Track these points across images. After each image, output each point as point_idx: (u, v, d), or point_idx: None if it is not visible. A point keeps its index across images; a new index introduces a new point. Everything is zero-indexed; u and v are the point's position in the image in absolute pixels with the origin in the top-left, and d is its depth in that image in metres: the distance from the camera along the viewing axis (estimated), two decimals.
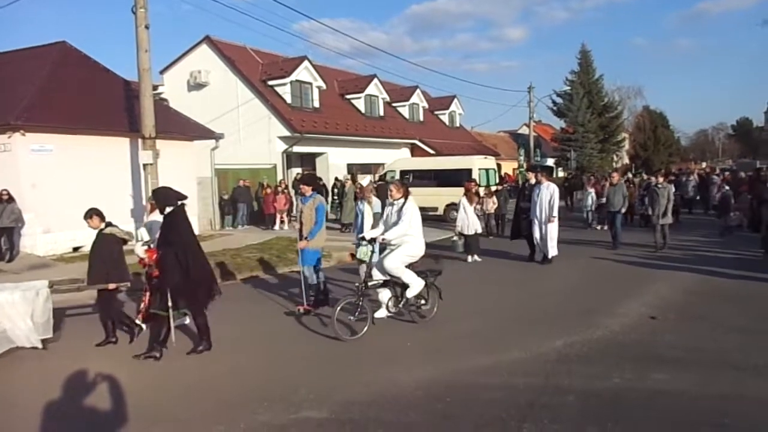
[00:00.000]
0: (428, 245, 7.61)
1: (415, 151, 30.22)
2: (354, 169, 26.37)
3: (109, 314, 6.88)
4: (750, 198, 14.74)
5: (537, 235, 11.45)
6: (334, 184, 22.62)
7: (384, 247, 7.30)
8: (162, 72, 25.19)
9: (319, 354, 6.26)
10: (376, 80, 29.56)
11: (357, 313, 6.71)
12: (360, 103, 28.88)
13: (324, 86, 26.00)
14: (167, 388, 5.38)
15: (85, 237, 13.63)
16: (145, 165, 12.53)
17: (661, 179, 13.79)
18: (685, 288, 9.02)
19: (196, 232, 16.58)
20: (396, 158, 25.95)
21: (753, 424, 4.31)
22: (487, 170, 21.52)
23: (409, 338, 6.67)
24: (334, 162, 25.41)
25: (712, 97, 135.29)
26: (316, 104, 25.47)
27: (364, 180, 9.31)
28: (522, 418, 4.42)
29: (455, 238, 12.73)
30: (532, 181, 12.13)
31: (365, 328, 6.68)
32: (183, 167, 16.25)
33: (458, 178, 18.80)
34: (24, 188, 13.01)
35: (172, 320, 6.34)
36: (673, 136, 66.26)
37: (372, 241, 7.06)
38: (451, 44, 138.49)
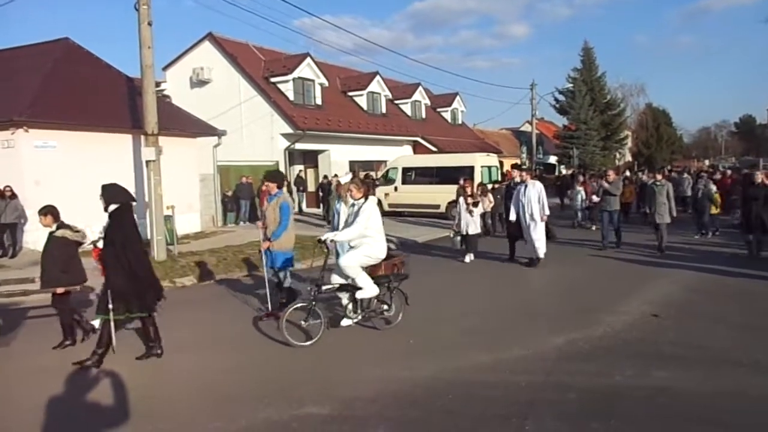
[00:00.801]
0: (424, 245, 7.56)
1: (418, 148, 30.23)
2: (356, 167, 26.38)
3: (63, 316, 6.64)
4: (739, 198, 13.91)
5: (535, 235, 10.96)
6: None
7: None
8: (165, 69, 25.24)
9: (320, 351, 6.27)
10: (378, 77, 29.56)
11: (309, 318, 6.48)
12: (362, 100, 28.88)
13: (326, 83, 26.01)
14: (167, 386, 5.40)
15: (88, 233, 13.73)
16: (147, 162, 12.53)
17: (659, 176, 13.29)
18: (686, 285, 9.01)
19: (198, 228, 16.94)
20: (398, 155, 25.94)
21: (754, 422, 4.32)
22: (489, 167, 21.51)
23: (410, 336, 6.68)
24: (336, 159, 25.43)
25: (715, 94, 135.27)
26: (319, 101, 25.47)
27: (343, 178, 8.93)
28: (523, 415, 4.43)
29: (452, 235, 12.54)
30: (517, 179, 11.75)
31: (319, 333, 6.40)
32: (185, 164, 16.27)
33: (460, 175, 18.77)
34: (27, 184, 13.04)
35: (112, 324, 5.96)
36: (675, 133, 66.17)
37: (324, 242, 6.63)
38: (454, 41, 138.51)
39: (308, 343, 6.34)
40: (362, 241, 6.74)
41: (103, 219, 6.30)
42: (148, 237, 13.01)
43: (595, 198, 15.88)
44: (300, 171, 25.15)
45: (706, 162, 69.85)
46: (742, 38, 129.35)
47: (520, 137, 46.87)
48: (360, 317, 6.87)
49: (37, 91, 13.85)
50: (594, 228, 16.63)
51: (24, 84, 14.31)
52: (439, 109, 36.79)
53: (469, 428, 4.31)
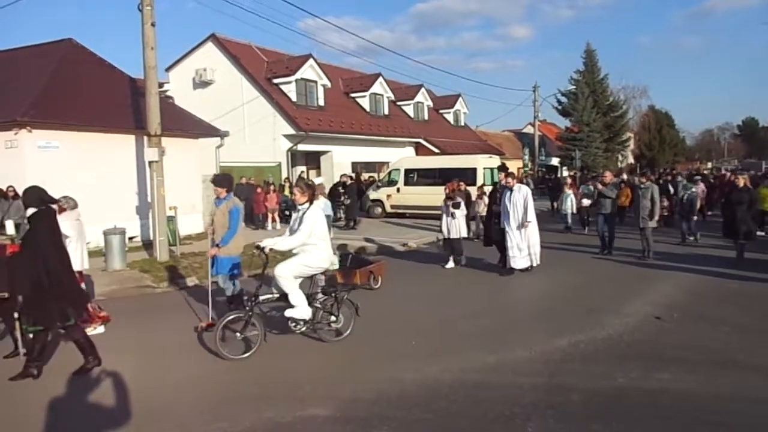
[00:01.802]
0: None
1: (420, 150, 30.25)
2: (359, 168, 26.42)
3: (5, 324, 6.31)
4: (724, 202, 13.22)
5: (509, 242, 10.25)
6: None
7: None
8: (167, 69, 25.32)
9: (324, 352, 6.28)
10: (381, 79, 29.60)
11: (245, 329, 6.08)
12: (365, 102, 28.93)
13: (329, 84, 26.05)
14: (170, 387, 5.40)
15: (91, 233, 13.77)
16: (150, 162, 12.57)
17: (644, 179, 12.53)
18: (688, 288, 9.01)
19: (201, 229, 16.94)
20: (400, 157, 25.97)
21: (756, 424, 4.32)
22: (491, 169, 21.52)
23: (413, 337, 6.68)
24: (339, 161, 25.47)
25: (718, 96, 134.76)
26: (321, 102, 25.51)
27: (315, 180, 8.52)
28: (527, 416, 4.43)
29: (437, 239, 12.07)
30: (503, 182, 11.05)
31: (257, 345, 6.03)
32: (188, 165, 16.30)
33: (463, 177, 18.78)
34: (30, 185, 13.05)
35: (18, 332, 5.71)
36: (678, 135, 66.22)
37: (263, 249, 6.17)
38: (457, 43, 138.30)
39: (244, 356, 5.94)
40: (304, 248, 6.29)
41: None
42: (151, 238, 13.06)
43: (585, 201, 15.36)
44: (302, 172, 25.19)
45: (709, 164, 69.79)
46: (745, 40, 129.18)
47: (522, 139, 46.88)
48: (305, 328, 6.36)
49: (40, 91, 13.89)
50: (587, 231, 16.12)
51: (27, 84, 14.35)
52: (441, 111, 36.82)
53: (471, 429, 4.32)
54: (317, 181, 8.77)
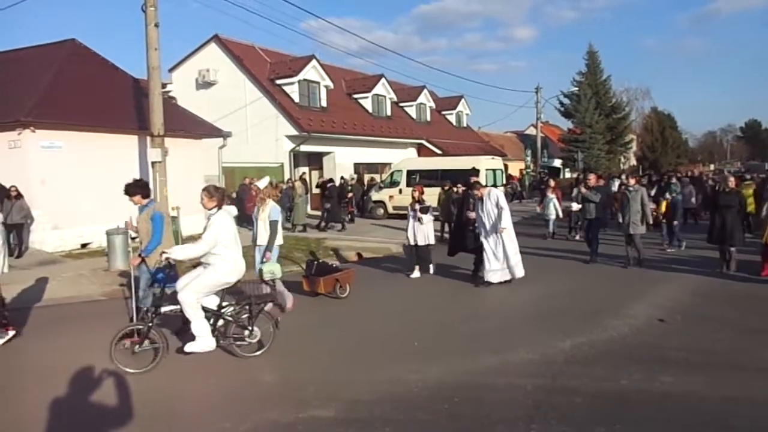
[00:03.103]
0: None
1: (422, 151, 30.25)
2: (361, 169, 26.43)
3: None
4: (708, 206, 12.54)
5: (485, 254, 9.51)
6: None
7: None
8: (170, 70, 25.33)
9: (327, 353, 6.28)
10: (383, 80, 29.62)
11: (143, 343, 5.71)
12: (367, 103, 28.94)
13: (331, 85, 26.07)
14: (173, 387, 5.40)
15: (94, 233, 13.85)
16: (153, 163, 12.60)
17: (632, 181, 11.77)
18: (691, 290, 8.98)
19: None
20: (403, 158, 25.96)
21: (760, 426, 4.30)
22: (494, 171, 21.50)
23: (415, 338, 6.67)
24: (341, 162, 25.48)
25: (721, 98, 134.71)
26: (324, 103, 25.53)
27: (261, 182, 8.03)
28: (529, 418, 4.42)
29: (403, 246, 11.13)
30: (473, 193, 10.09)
31: (158, 359, 5.68)
32: (191, 165, 16.32)
33: (465, 178, 18.72)
34: (33, 185, 13.10)
35: None
36: (680, 137, 66.14)
37: (168, 259, 5.83)
38: (459, 44, 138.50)
39: (141, 370, 5.54)
40: (209, 260, 5.80)
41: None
42: None
43: (574, 206, 14.06)
44: (303, 173, 25.21)
45: (712, 166, 69.71)
46: (748, 42, 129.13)
47: (524, 140, 46.88)
48: (217, 344, 5.91)
49: (43, 91, 13.93)
50: (578, 237, 15.05)
51: (31, 85, 14.39)
52: (444, 112, 36.83)
53: (474, 431, 4.31)
54: (263, 182, 7.96)
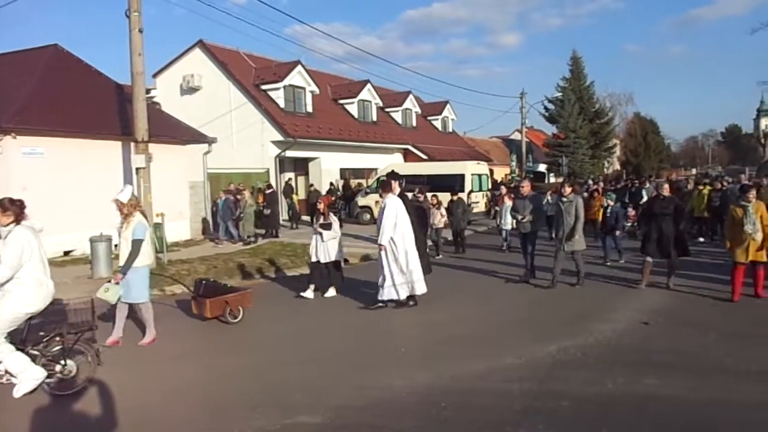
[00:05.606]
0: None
1: (408, 156, 30.33)
2: (347, 174, 26.41)
3: None
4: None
5: (379, 269, 8.66)
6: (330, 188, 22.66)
7: None
8: (155, 75, 25.18)
9: (314, 359, 6.24)
10: (369, 85, 29.68)
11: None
12: (353, 108, 28.97)
13: (317, 91, 26.06)
14: (159, 395, 5.34)
15: (76, 241, 13.67)
16: (137, 169, 12.47)
17: (568, 190, 9.93)
18: (673, 293, 9.06)
19: (188, 236, 16.83)
20: (388, 163, 25.99)
21: (743, 428, 4.35)
22: (479, 176, 21.61)
23: (402, 344, 6.67)
24: (327, 167, 25.47)
25: (703, 104, 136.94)
26: (309, 109, 25.51)
27: (122, 194, 6.97)
28: (517, 423, 4.43)
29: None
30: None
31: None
32: (175, 171, 16.20)
33: (451, 183, 18.84)
34: (15, 191, 12.81)
35: None
36: (663, 142, 67.09)
37: None
38: (445, 49, 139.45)
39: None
40: (6, 287, 4.93)
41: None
42: None
43: (519, 217, 11.12)
44: (289, 179, 25.14)
45: (693, 171, 70.64)
46: (729, 49, 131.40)
47: (510, 145, 47.15)
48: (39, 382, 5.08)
49: (25, 97, 13.75)
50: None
51: (12, 90, 14.19)
52: (429, 118, 36.96)
53: None
54: (125, 193, 6.97)
